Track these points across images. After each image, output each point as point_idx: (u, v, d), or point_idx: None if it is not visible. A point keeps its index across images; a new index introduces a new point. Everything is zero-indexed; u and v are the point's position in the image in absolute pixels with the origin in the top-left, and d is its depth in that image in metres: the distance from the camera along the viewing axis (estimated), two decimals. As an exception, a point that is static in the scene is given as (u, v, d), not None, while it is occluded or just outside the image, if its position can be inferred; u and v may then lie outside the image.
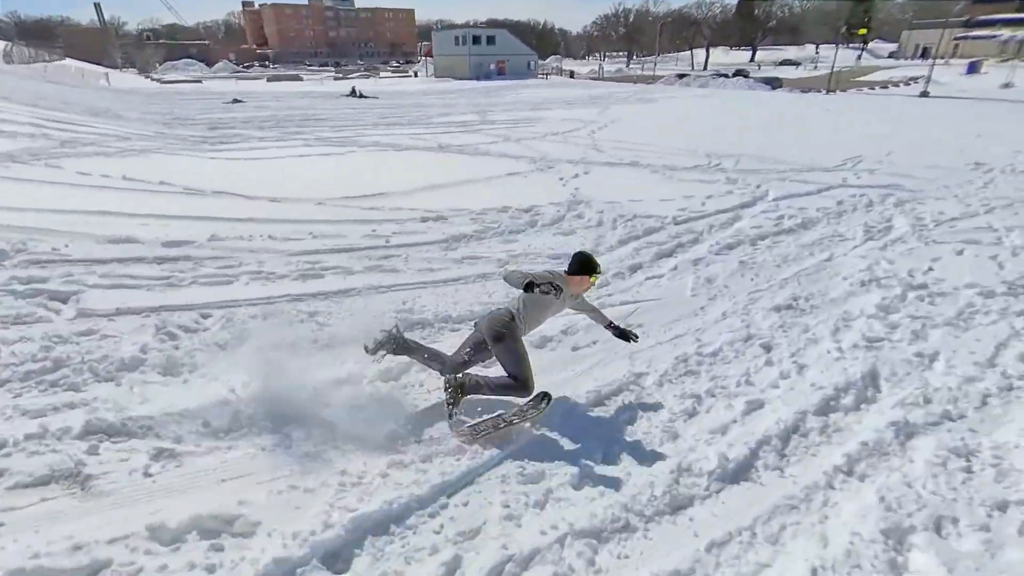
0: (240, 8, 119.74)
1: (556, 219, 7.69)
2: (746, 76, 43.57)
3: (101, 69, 37.21)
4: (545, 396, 3.03)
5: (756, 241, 7.00)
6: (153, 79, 49.99)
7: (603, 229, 7.34)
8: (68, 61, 45.58)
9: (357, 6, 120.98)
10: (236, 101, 24.85)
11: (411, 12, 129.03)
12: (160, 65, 73.19)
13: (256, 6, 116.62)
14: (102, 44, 72.48)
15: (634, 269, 5.94)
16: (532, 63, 53.59)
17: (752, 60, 77.42)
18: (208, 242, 5.73)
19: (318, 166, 11.01)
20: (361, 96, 28.71)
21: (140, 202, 6.71)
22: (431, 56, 55.88)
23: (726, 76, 43.60)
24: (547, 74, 52.54)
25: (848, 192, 9.44)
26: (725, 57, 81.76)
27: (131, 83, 39.40)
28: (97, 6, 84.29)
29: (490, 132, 16.17)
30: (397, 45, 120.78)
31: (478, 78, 46.98)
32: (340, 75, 55.36)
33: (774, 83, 39.82)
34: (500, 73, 50.14)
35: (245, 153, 11.99)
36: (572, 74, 54.28)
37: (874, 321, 4.66)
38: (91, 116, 15.04)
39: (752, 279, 5.68)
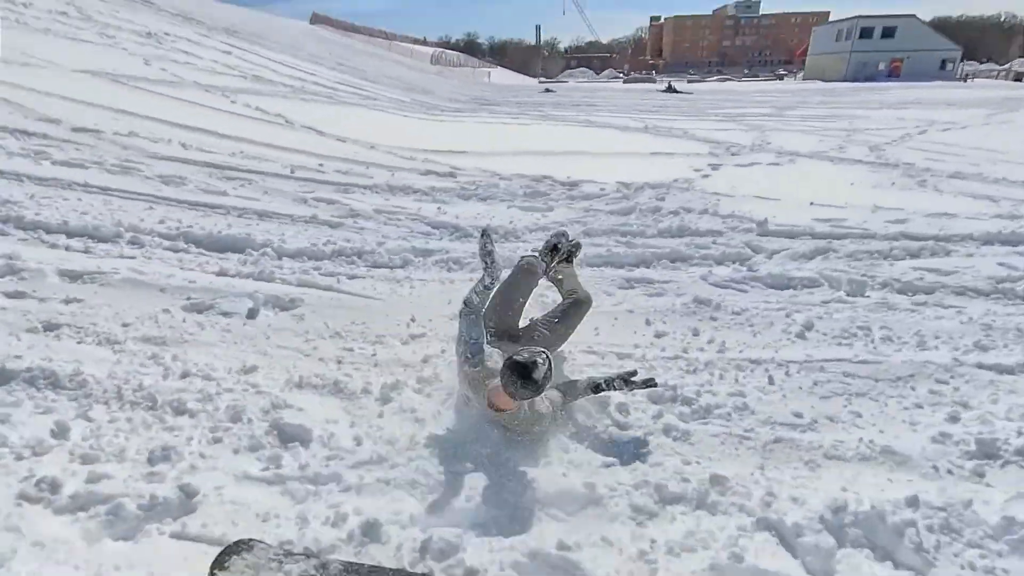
0: (648, 23, 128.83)
1: (586, 196, 5.35)
2: None
3: (486, 69, 46.12)
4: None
5: (867, 290, 3.25)
6: (540, 81, 59.16)
7: (618, 219, 4.70)
8: (499, 69, 58.58)
9: (763, 12, 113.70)
10: (547, 91, 26.90)
11: (825, 15, 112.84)
12: (561, 73, 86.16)
13: (662, 20, 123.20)
14: (530, 58, 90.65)
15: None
16: (950, 63, 38.81)
17: None
18: (114, 135, 5.64)
19: (483, 131, 10.75)
20: (674, 91, 26.98)
21: (221, 122, 7.47)
22: (804, 57, 47.39)
23: None
24: (968, 75, 37.23)
25: None
26: None
27: (514, 81, 47.37)
28: (537, 28, 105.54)
29: (748, 123, 12.70)
30: (795, 52, 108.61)
31: (856, 79, 36.71)
32: (696, 79, 53.72)
33: None
34: (892, 74, 38.14)
35: (449, 118, 12.68)
36: (1019, 77, 37.26)
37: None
38: (397, 89, 18.63)
39: (683, 337, 2.58)
